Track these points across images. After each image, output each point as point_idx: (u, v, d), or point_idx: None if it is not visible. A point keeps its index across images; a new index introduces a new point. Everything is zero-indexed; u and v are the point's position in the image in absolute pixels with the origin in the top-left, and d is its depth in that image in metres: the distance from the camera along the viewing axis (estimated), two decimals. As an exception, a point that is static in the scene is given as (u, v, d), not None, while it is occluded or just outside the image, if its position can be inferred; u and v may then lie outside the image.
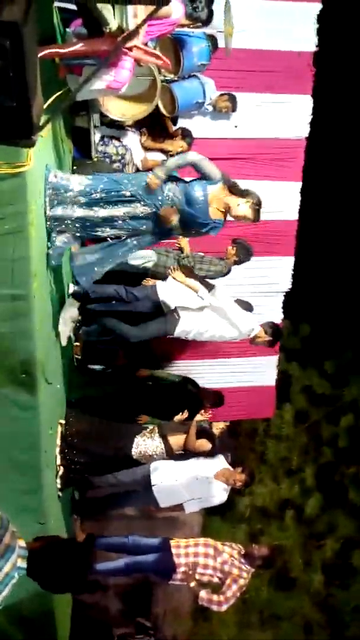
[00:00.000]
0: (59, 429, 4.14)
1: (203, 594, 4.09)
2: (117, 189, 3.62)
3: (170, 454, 4.35)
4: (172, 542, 4.18)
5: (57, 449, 4.08)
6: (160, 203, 3.66)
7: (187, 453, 4.42)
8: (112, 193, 3.61)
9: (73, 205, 3.57)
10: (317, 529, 8.28)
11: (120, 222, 3.66)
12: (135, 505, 4.61)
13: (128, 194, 3.62)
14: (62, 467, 4.10)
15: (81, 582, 2.92)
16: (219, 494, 4.45)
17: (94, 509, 4.68)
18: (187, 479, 4.37)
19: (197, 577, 4.08)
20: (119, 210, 3.63)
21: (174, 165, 3.71)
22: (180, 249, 5.21)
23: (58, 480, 4.07)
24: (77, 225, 3.60)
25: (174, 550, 4.14)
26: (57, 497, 4.05)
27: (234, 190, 3.83)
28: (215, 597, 4.08)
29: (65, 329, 4.07)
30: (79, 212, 3.58)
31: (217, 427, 5.09)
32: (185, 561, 4.11)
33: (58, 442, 4.11)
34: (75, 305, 4.16)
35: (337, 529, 8.13)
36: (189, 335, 4.45)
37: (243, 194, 3.84)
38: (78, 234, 3.66)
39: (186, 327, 4.36)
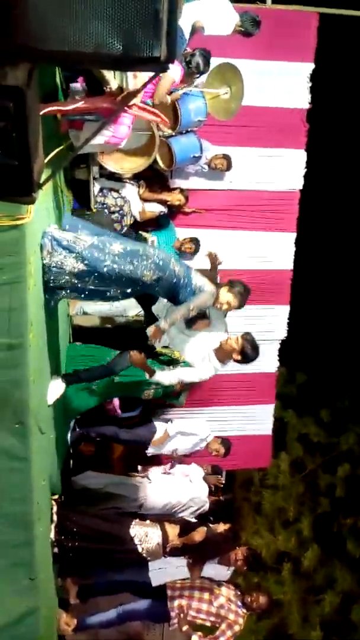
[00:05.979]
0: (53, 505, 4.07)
1: (195, 638, 3.99)
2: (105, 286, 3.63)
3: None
4: (168, 583, 4.09)
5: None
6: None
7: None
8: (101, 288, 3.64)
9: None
10: (315, 583, 8.06)
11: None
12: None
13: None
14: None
15: None
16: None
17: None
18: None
19: (189, 619, 4.00)
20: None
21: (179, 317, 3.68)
22: None
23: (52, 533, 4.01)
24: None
25: (169, 592, 4.06)
26: (49, 549, 3.96)
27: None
28: None
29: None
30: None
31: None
32: (178, 603, 4.02)
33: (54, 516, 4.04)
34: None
35: (336, 582, 7.91)
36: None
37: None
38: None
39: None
